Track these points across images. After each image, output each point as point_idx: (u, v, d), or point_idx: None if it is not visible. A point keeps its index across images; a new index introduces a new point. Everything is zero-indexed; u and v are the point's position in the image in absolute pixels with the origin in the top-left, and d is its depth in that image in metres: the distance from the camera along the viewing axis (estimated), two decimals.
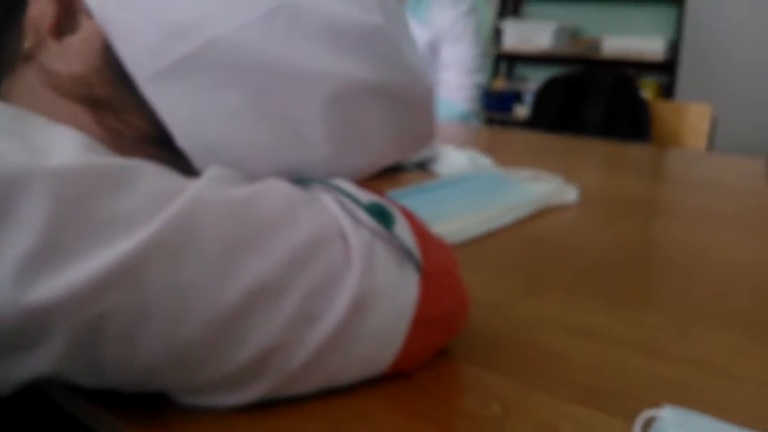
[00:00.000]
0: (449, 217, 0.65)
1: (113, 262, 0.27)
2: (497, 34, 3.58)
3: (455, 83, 1.92)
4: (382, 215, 0.35)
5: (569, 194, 0.79)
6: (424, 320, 0.35)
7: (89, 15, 0.35)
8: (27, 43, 0.36)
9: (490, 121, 3.20)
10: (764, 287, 0.54)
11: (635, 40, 3.22)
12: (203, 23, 0.33)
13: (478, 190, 0.75)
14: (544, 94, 1.97)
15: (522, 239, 0.65)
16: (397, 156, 0.41)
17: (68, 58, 0.36)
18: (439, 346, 0.39)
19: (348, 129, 0.37)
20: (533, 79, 3.60)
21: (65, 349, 0.27)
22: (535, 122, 1.96)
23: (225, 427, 0.32)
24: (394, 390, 0.36)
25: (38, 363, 0.27)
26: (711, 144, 1.72)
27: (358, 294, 0.33)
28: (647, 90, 3.16)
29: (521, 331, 0.44)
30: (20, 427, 0.43)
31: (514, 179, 0.80)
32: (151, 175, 0.30)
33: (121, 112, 0.36)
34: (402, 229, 0.36)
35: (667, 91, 3.20)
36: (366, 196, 0.36)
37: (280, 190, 0.34)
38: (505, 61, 3.77)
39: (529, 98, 3.22)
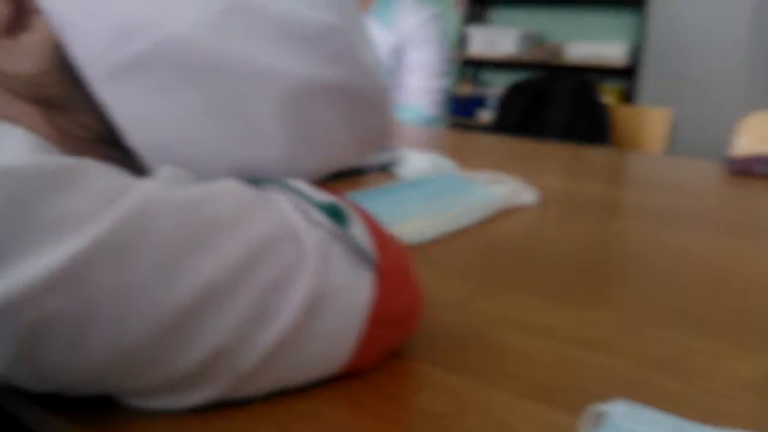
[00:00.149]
0: (409, 219, 0.66)
1: (57, 264, 0.26)
2: (463, 40, 3.61)
3: (420, 87, 1.93)
4: (336, 214, 0.35)
5: (528, 196, 0.80)
6: (378, 319, 0.35)
7: (41, 14, 0.35)
8: None
9: (454, 126, 3.22)
10: (717, 285, 0.56)
11: (597, 45, 3.27)
12: (155, 22, 0.33)
13: (438, 192, 0.76)
14: (507, 99, 2.00)
15: (480, 240, 0.66)
16: (353, 156, 0.41)
17: (20, 57, 0.35)
18: (393, 345, 0.39)
19: (303, 128, 0.37)
20: (497, 85, 3.64)
21: (10, 353, 0.27)
22: (498, 127, 1.98)
23: (175, 430, 0.32)
24: (348, 389, 0.36)
25: None
26: (671, 148, 1.76)
27: (311, 293, 0.33)
28: (609, 95, 3.22)
29: (476, 329, 0.44)
30: None
31: (474, 181, 0.81)
32: (99, 174, 0.30)
33: (72, 112, 0.35)
34: (357, 229, 0.36)
35: (629, 96, 3.26)
36: (321, 196, 0.36)
37: (232, 190, 0.34)
38: (471, 67, 3.80)
39: (493, 103, 3.25)
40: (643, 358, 0.41)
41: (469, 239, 0.66)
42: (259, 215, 0.33)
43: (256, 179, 0.36)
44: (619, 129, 1.80)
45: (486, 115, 3.45)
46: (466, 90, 3.68)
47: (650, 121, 1.74)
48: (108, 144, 0.35)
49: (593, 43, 3.30)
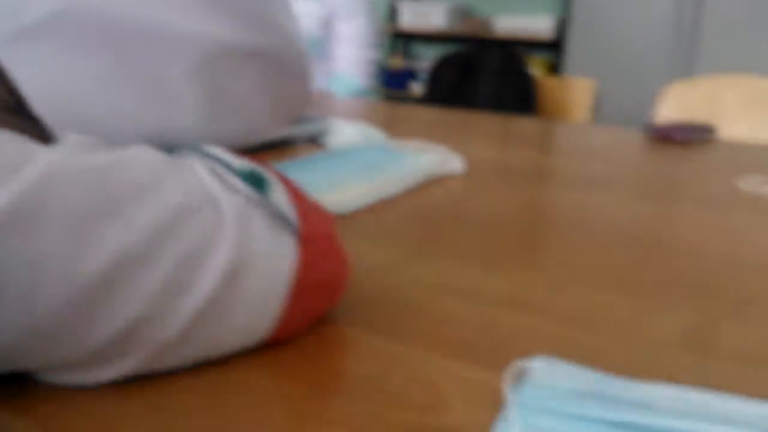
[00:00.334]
0: (337, 188, 0.65)
1: None
2: (393, 13, 3.59)
3: (351, 58, 1.92)
4: (256, 181, 0.35)
5: (456, 164, 0.80)
6: (303, 286, 0.35)
7: None
8: None
9: (386, 99, 3.22)
10: (638, 246, 0.57)
11: (525, 19, 3.32)
12: None
13: (367, 161, 0.75)
14: (437, 72, 2.01)
15: (409, 208, 0.66)
16: (273, 123, 0.41)
17: None
18: (320, 312, 0.39)
19: (219, 93, 0.35)
20: (428, 58, 3.65)
21: None
22: (429, 99, 1.99)
23: (94, 405, 0.31)
24: (274, 357, 0.35)
25: None
26: (596, 117, 1.81)
27: (232, 261, 0.32)
28: (537, 67, 3.27)
29: (404, 294, 0.45)
30: None
31: (402, 151, 0.81)
32: (1, 143, 0.28)
33: None
34: (278, 195, 0.36)
35: (556, 68, 3.32)
36: (240, 162, 0.35)
37: (144, 156, 0.32)
38: (402, 40, 3.80)
39: (424, 76, 3.27)
40: (565, 316, 0.42)
41: (397, 207, 0.66)
42: (174, 182, 0.32)
43: (171, 146, 0.35)
44: (546, 100, 1.83)
45: (417, 88, 3.47)
46: (397, 63, 3.68)
47: (576, 91, 1.78)
48: (15, 112, 0.33)
49: (521, 16, 3.34)
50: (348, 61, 1.91)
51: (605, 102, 2.85)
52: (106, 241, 0.29)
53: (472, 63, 1.96)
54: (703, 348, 0.39)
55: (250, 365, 0.35)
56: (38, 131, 0.33)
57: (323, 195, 0.61)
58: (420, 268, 0.50)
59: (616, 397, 0.31)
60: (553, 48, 3.35)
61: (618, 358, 0.37)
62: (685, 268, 0.52)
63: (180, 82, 0.34)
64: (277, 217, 0.35)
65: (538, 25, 3.28)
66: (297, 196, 0.38)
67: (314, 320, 0.38)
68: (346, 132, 0.94)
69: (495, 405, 0.32)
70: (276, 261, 0.34)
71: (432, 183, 0.75)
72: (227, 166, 0.34)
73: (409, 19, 3.53)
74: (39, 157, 0.28)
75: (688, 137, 1.15)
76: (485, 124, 1.26)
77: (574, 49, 3.14)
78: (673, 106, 1.73)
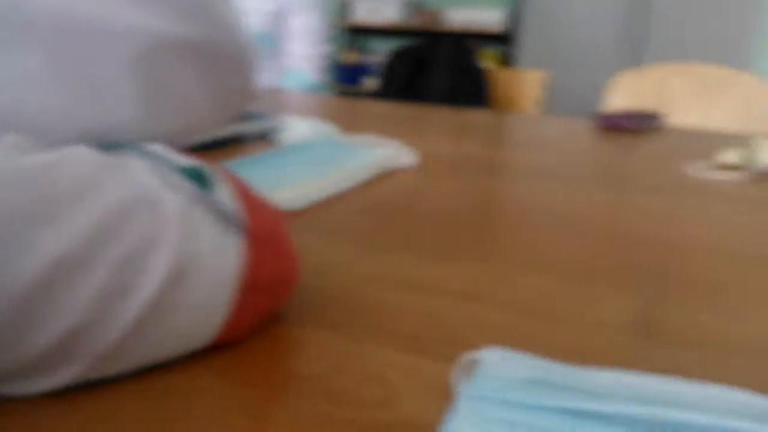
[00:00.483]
0: (288, 184, 0.64)
1: None
2: (346, 8, 3.58)
3: (304, 53, 1.91)
4: (199, 178, 0.34)
5: (408, 157, 0.80)
6: (251, 285, 0.35)
7: None
8: None
9: (341, 94, 3.21)
10: (588, 234, 0.58)
11: (476, 12, 3.34)
12: None
13: (319, 157, 0.75)
14: (389, 66, 2.01)
15: (360, 202, 0.66)
16: (215, 118, 0.40)
17: None
18: (269, 311, 0.38)
19: (158, 88, 0.35)
20: (382, 52, 3.65)
21: None
22: (383, 93, 1.99)
23: (36, 415, 0.30)
24: (222, 359, 0.35)
25: None
26: (548, 108, 1.83)
27: (174, 262, 0.31)
28: (489, 59, 3.30)
29: (355, 289, 0.44)
30: None
31: (354, 145, 0.80)
32: None
33: None
34: (222, 193, 0.35)
35: (508, 60, 3.35)
36: (182, 160, 0.35)
37: (81, 156, 0.31)
38: (355, 34, 3.79)
39: (378, 70, 3.27)
40: (516, 306, 0.43)
41: (349, 202, 0.65)
42: (112, 182, 0.31)
43: (109, 145, 0.34)
44: (498, 92, 1.85)
45: (371, 83, 3.46)
46: (351, 58, 3.67)
47: (527, 83, 1.80)
48: None
49: (473, 8, 3.37)
50: (300, 56, 1.90)
51: (557, 93, 2.89)
52: (42, 245, 0.28)
53: (424, 57, 1.97)
54: (651, 333, 0.40)
55: (199, 367, 0.34)
56: None
57: (274, 192, 0.60)
58: (371, 262, 0.49)
59: (566, 384, 0.31)
60: (505, 40, 3.38)
61: (568, 345, 0.38)
62: (634, 255, 0.53)
63: (116, 79, 0.33)
64: (222, 215, 0.34)
65: (490, 17, 3.31)
66: (244, 193, 0.37)
67: (264, 319, 0.38)
68: (298, 128, 0.93)
69: (447, 398, 0.32)
70: (222, 260, 0.33)
71: (385, 177, 0.75)
72: (168, 163, 0.34)
73: (363, 13, 3.52)
74: None
75: (636, 125, 1.17)
76: (438, 117, 1.27)
77: (526, 41, 3.17)
78: (623, 96, 1.76)
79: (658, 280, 0.48)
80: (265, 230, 0.37)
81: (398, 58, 1.99)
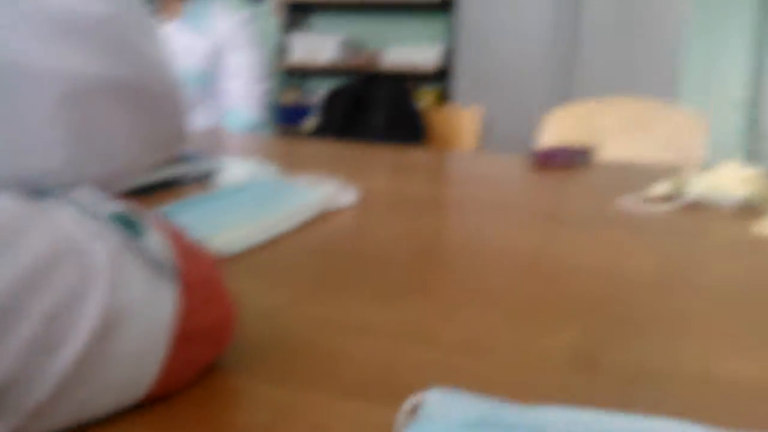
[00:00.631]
0: (225, 228, 0.63)
1: None
2: (284, 48, 3.60)
3: (242, 92, 1.91)
4: (128, 224, 0.33)
5: (348, 196, 0.80)
6: (185, 335, 0.33)
7: None
8: None
9: (281, 134, 3.21)
10: (526, 269, 0.59)
11: (412, 50, 3.41)
12: None
13: (257, 199, 0.74)
14: (327, 105, 2.02)
15: (301, 244, 0.65)
16: (145, 161, 0.39)
17: None
18: (206, 361, 0.37)
19: (85, 131, 0.33)
20: (321, 92, 3.67)
21: None
22: (322, 130, 2.00)
23: None
24: (156, 412, 0.33)
25: None
26: (484, 144, 1.87)
27: (104, 313, 0.30)
28: (427, 97, 3.36)
29: (296, 335, 0.43)
30: None
31: (293, 186, 0.80)
32: None
33: None
34: (153, 239, 0.34)
35: (446, 97, 3.42)
36: (110, 206, 0.33)
37: (2, 205, 0.30)
38: (294, 75, 3.80)
39: (317, 110, 3.28)
40: (457, 344, 0.42)
41: (289, 245, 0.64)
42: (35, 232, 0.29)
43: (34, 191, 0.32)
44: (435, 130, 1.88)
45: (311, 122, 3.47)
46: (290, 98, 3.68)
47: (463, 120, 1.84)
48: None
49: (408, 47, 3.43)
50: (238, 94, 1.89)
51: (493, 129, 2.96)
52: None
53: (361, 96, 1.99)
54: (594, 366, 0.40)
55: (134, 422, 0.32)
56: None
57: (210, 236, 0.59)
58: (311, 306, 0.49)
59: (510, 423, 0.31)
60: (441, 77, 3.45)
61: (511, 382, 0.38)
62: (570, 288, 0.54)
63: (40, 122, 0.32)
64: (153, 262, 0.33)
65: (426, 55, 3.38)
66: (176, 239, 0.36)
67: (201, 370, 0.36)
68: (237, 169, 0.92)
69: None
70: (154, 309, 0.32)
71: (325, 217, 0.74)
72: (95, 210, 0.32)
73: (301, 53, 3.54)
74: None
75: (568, 161, 1.20)
76: (377, 156, 1.27)
77: (461, 78, 3.24)
78: (555, 132, 1.81)
79: (595, 312, 0.48)
80: (198, 276, 0.35)
81: (335, 96, 2.00)
